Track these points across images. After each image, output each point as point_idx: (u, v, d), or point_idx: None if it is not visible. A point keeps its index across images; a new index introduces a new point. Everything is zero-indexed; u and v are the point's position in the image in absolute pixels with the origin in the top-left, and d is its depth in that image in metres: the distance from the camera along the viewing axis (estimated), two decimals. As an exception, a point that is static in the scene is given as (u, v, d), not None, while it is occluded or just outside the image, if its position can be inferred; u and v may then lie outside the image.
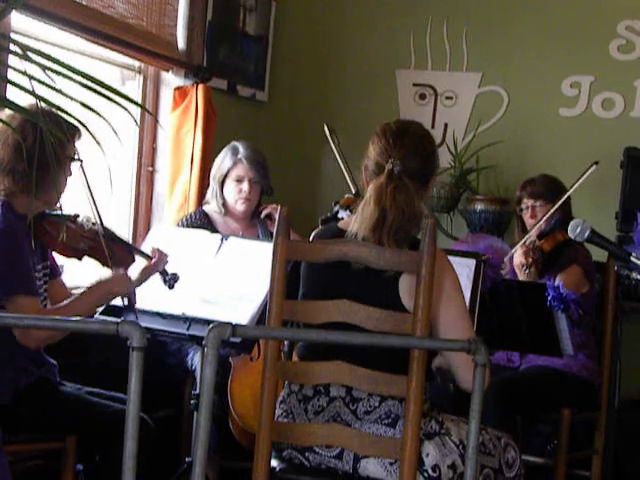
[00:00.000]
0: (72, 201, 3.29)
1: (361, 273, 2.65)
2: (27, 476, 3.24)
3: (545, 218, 4.23)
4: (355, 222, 2.70)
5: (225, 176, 4.31)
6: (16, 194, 3.01)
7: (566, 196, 4.23)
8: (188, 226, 4.26)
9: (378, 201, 2.65)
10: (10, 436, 2.90)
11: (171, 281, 3.42)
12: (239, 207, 4.31)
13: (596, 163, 4.30)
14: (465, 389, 2.64)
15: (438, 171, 2.89)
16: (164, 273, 3.41)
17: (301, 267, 2.80)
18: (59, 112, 1.85)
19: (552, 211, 4.21)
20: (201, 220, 4.30)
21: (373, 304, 2.56)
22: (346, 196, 3.84)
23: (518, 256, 4.08)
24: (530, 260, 4.04)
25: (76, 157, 3.08)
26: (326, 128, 4.43)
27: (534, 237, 4.22)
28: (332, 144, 4.37)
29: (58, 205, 3.14)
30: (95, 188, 3.09)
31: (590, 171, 4.27)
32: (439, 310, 2.64)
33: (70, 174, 3.11)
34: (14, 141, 2.95)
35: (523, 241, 4.17)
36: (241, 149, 4.32)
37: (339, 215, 3.68)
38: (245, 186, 4.29)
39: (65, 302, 3.09)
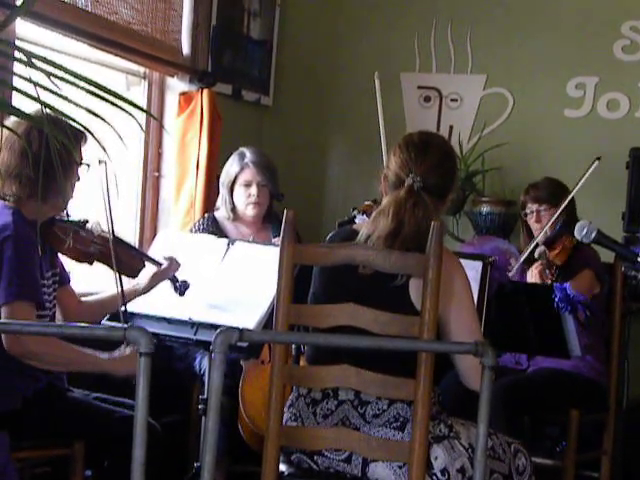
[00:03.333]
0: (82, 206, 3.31)
1: (370, 278, 2.65)
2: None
3: (550, 222, 4.21)
4: (366, 228, 2.70)
5: (233, 182, 4.32)
6: (24, 200, 3.03)
7: (571, 196, 4.21)
8: (197, 232, 4.27)
9: (396, 215, 2.65)
10: (18, 442, 2.90)
11: (182, 288, 3.44)
12: (249, 212, 4.32)
13: (598, 159, 4.28)
14: (473, 389, 2.64)
15: (457, 186, 2.88)
16: (174, 280, 3.43)
17: (312, 270, 2.80)
18: (64, 118, 1.86)
19: (557, 214, 4.18)
20: (210, 226, 4.31)
21: (384, 309, 2.55)
22: (366, 203, 3.85)
23: (533, 277, 4.06)
24: (549, 280, 4.03)
25: (83, 162, 3.09)
26: (376, 78, 4.39)
27: (542, 246, 4.20)
28: (378, 95, 4.34)
29: (65, 210, 3.16)
30: (111, 193, 3.10)
31: (593, 167, 4.25)
32: (450, 312, 2.64)
33: (78, 179, 3.13)
34: (21, 147, 2.96)
35: (530, 249, 4.14)
36: (248, 154, 4.33)
37: (356, 220, 3.68)
38: (253, 190, 4.30)
39: (72, 346, 3.06)
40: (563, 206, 4.19)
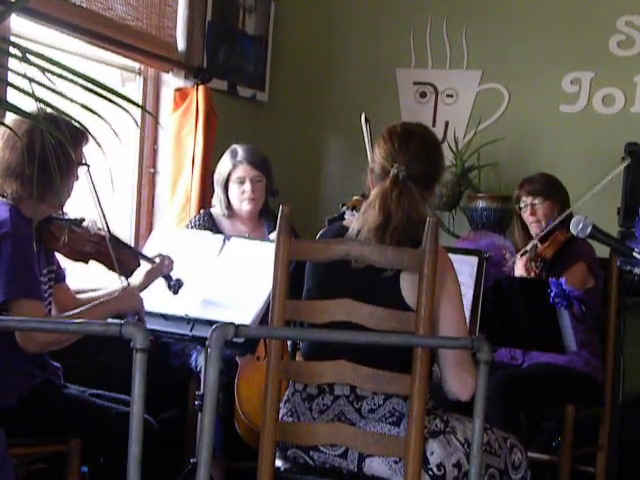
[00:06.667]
0: (79, 205, 3.31)
1: (362, 272, 2.65)
2: (31, 479, 3.24)
3: (554, 223, 4.19)
4: (357, 222, 2.71)
5: (227, 180, 4.32)
6: (24, 198, 3.03)
7: (594, 190, 4.17)
8: (193, 228, 4.28)
9: (383, 205, 2.66)
10: (14, 439, 2.90)
11: (175, 286, 3.44)
12: (244, 207, 4.32)
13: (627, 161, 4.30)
14: (450, 397, 2.67)
15: (443, 175, 2.89)
16: (168, 278, 3.43)
17: (306, 266, 2.80)
18: (61, 115, 1.86)
19: (563, 216, 4.15)
20: (206, 222, 4.31)
21: (375, 302, 2.56)
22: (354, 198, 3.85)
23: (518, 269, 4.07)
24: (532, 274, 4.04)
25: (83, 162, 3.10)
26: (363, 118, 4.39)
27: (535, 240, 4.21)
28: (365, 135, 4.34)
29: (63, 209, 3.16)
30: (101, 193, 3.11)
31: (622, 165, 4.24)
32: (439, 308, 2.64)
33: (77, 179, 3.13)
34: (23, 146, 2.96)
35: (526, 249, 4.15)
36: (240, 151, 4.34)
37: (346, 216, 3.69)
38: (247, 186, 4.30)
39: (72, 312, 3.10)
40: (575, 204, 4.18)
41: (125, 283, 3.23)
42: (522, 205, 4.36)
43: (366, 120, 4.36)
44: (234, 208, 4.35)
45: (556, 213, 4.22)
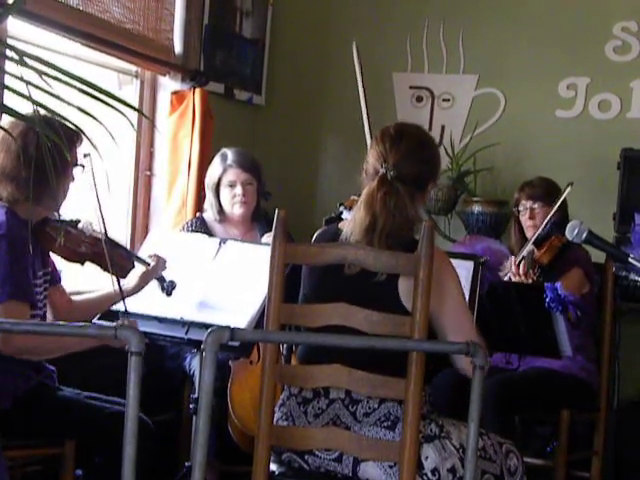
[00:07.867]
0: (74, 206, 3.31)
1: (359, 276, 2.65)
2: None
3: (543, 225, 4.21)
4: (348, 226, 2.71)
5: (218, 184, 4.32)
6: (20, 200, 3.03)
7: (550, 215, 4.19)
8: (186, 233, 4.27)
9: (368, 207, 2.66)
10: (9, 441, 2.90)
11: (169, 288, 3.44)
12: (236, 211, 4.32)
13: (570, 184, 4.27)
14: (465, 373, 2.64)
15: (438, 175, 2.88)
16: (162, 280, 3.43)
17: (302, 269, 2.80)
18: (57, 117, 1.86)
19: (551, 213, 4.18)
20: (198, 227, 4.31)
21: (373, 307, 2.55)
22: (351, 197, 3.85)
23: (515, 277, 4.06)
24: (530, 280, 4.04)
25: (78, 163, 3.10)
26: (354, 47, 4.42)
27: (531, 245, 4.21)
28: (356, 65, 4.38)
29: (59, 211, 3.16)
30: (101, 195, 3.11)
31: (566, 192, 4.25)
32: (444, 312, 2.64)
33: (72, 180, 3.13)
34: (17, 148, 2.96)
35: (523, 255, 4.15)
36: (230, 155, 4.34)
37: (343, 216, 3.68)
38: (238, 190, 4.30)
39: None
40: (556, 206, 4.20)
41: (122, 283, 3.23)
42: (521, 208, 4.36)
43: (357, 51, 4.40)
44: (226, 212, 4.34)
45: (553, 219, 4.22)
